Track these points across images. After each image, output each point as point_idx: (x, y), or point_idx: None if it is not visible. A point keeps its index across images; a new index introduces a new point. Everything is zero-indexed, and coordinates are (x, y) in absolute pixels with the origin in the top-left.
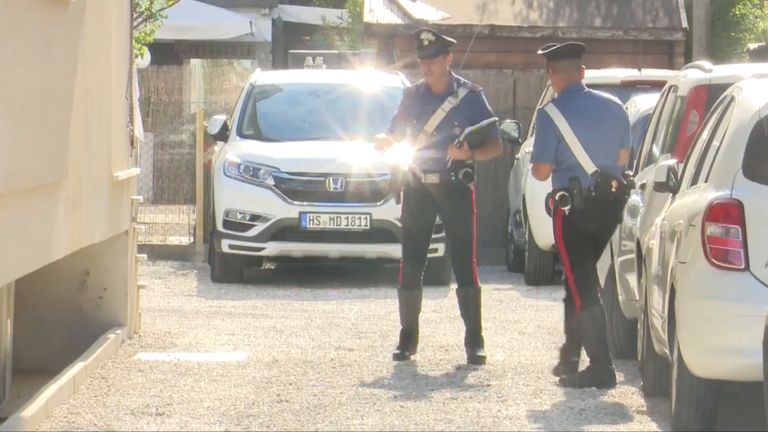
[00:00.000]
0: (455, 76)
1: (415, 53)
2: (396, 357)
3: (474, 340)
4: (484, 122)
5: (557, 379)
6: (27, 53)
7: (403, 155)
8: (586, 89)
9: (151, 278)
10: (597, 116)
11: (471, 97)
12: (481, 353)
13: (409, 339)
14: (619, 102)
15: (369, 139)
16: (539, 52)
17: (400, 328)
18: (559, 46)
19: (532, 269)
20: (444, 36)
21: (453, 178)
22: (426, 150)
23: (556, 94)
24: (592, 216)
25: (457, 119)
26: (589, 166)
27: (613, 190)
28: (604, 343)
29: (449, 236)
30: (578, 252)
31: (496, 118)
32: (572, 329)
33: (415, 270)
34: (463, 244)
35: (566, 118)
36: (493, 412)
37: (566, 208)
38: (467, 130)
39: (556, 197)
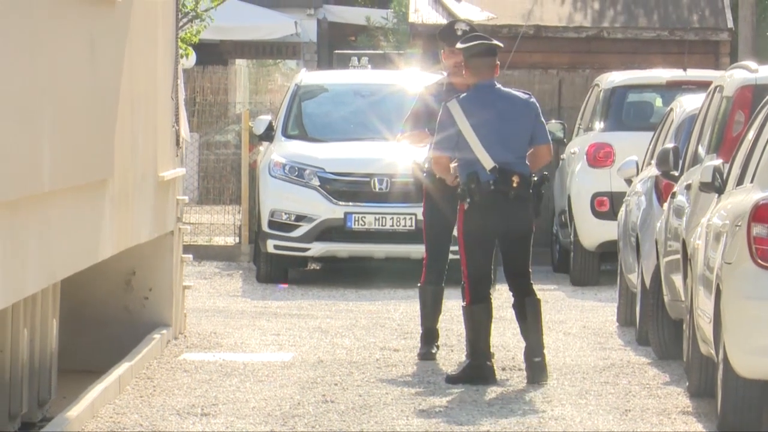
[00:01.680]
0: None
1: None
2: (424, 356)
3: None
4: None
5: (602, 379)
6: (74, 53)
7: (419, 155)
8: (497, 86)
9: (196, 278)
10: (500, 112)
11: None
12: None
13: (432, 337)
14: (530, 98)
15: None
16: (457, 45)
17: (421, 330)
18: (475, 43)
19: (578, 269)
20: (477, 32)
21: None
22: None
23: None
24: (493, 212)
25: None
26: (488, 162)
27: (515, 185)
28: (486, 340)
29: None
30: (474, 247)
31: None
32: (525, 331)
33: (439, 269)
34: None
35: (466, 114)
36: (539, 413)
37: (466, 202)
38: None
39: (458, 191)
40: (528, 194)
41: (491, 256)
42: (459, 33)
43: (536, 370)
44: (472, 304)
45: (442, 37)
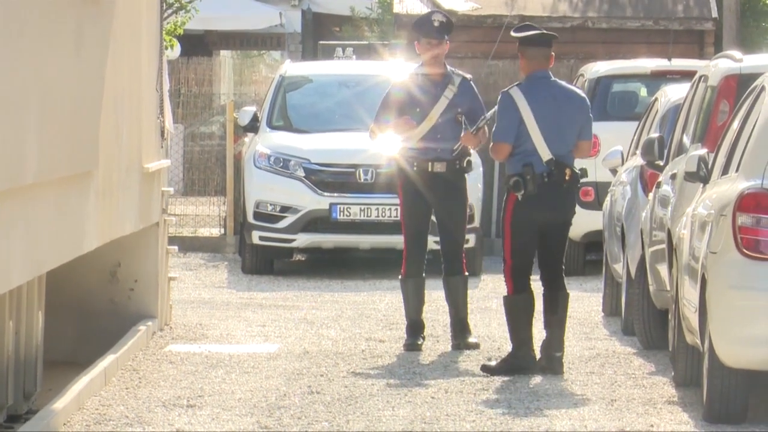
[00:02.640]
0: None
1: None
2: (410, 347)
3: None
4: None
5: (587, 369)
6: (59, 46)
7: (393, 146)
8: (552, 78)
9: (181, 270)
10: (559, 105)
11: (465, 83)
12: (472, 340)
13: (417, 329)
14: (583, 94)
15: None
16: (512, 33)
17: (406, 321)
18: (533, 33)
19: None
20: (452, 24)
21: (457, 167)
22: (431, 139)
23: (523, 77)
24: (543, 203)
25: (459, 106)
26: (545, 153)
27: (567, 178)
28: (529, 329)
29: (445, 224)
30: (522, 239)
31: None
32: (551, 324)
33: (419, 259)
34: (460, 233)
35: (529, 103)
36: (525, 403)
37: (519, 194)
38: (487, 116)
39: (510, 182)
40: (576, 188)
41: (535, 247)
42: (436, 24)
43: (556, 364)
44: (515, 293)
45: (418, 27)
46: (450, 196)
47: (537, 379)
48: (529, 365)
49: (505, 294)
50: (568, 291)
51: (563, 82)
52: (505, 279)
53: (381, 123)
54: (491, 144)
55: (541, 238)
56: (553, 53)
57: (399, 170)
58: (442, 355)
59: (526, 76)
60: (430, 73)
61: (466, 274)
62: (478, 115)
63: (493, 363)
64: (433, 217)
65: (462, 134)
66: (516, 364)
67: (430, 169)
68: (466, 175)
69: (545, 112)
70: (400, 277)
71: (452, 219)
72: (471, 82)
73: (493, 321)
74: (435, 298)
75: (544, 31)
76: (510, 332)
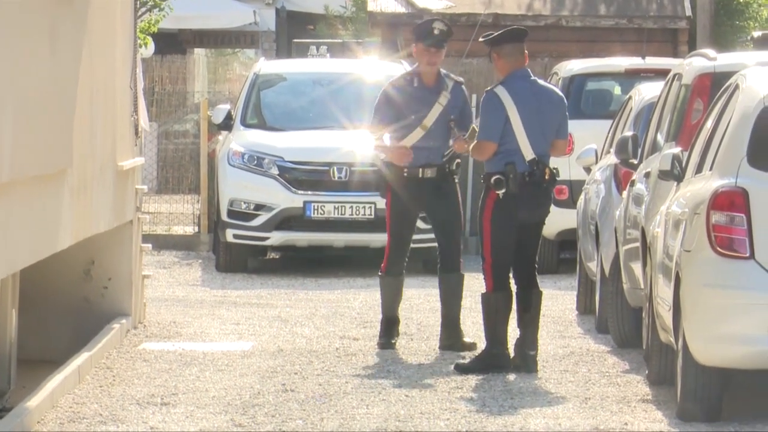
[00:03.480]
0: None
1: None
2: (384, 346)
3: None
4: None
5: (561, 367)
6: (33, 44)
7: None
8: (532, 76)
9: (155, 268)
10: (541, 104)
11: (457, 88)
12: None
13: (392, 326)
14: (561, 93)
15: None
16: (480, 39)
17: (381, 317)
18: (501, 32)
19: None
20: (452, 32)
21: (447, 170)
22: (422, 145)
23: (501, 77)
24: (524, 202)
25: (451, 112)
26: (528, 153)
27: (547, 177)
28: (505, 328)
29: (440, 226)
30: (501, 236)
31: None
32: (525, 322)
33: (401, 258)
34: (457, 232)
35: (515, 102)
36: (499, 402)
37: (500, 192)
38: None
39: (492, 180)
40: (552, 187)
41: (513, 245)
42: (436, 32)
43: (530, 362)
44: (494, 291)
45: (418, 34)
46: (442, 197)
47: (511, 378)
48: (503, 364)
49: (483, 291)
50: (541, 289)
51: (542, 81)
52: (484, 277)
53: (378, 125)
54: (474, 143)
55: (519, 235)
56: (526, 51)
57: (388, 174)
58: (417, 354)
59: (507, 75)
60: (425, 79)
61: (462, 273)
62: (468, 119)
63: (467, 361)
64: (420, 222)
65: (452, 140)
66: (490, 362)
67: (420, 176)
68: (456, 177)
69: (529, 111)
70: (380, 273)
71: (448, 218)
72: (462, 86)
73: (468, 319)
74: (409, 296)
75: (515, 27)
76: (485, 330)
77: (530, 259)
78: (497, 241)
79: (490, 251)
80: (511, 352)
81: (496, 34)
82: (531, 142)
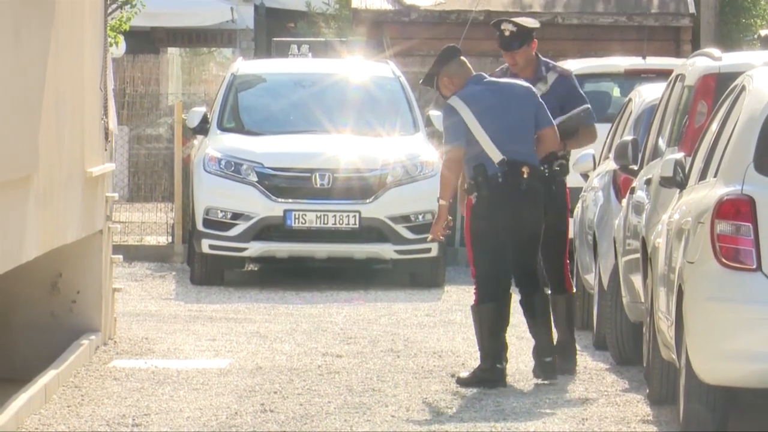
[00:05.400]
0: (543, 59)
1: (406, 41)
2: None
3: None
4: (575, 111)
5: (557, 386)
6: None
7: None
8: (487, 78)
9: (126, 281)
10: (503, 102)
11: (561, 81)
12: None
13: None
14: (526, 83)
15: (358, 132)
16: (420, 82)
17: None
18: (437, 57)
19: None
20: (524, 23)
21: (546, 171)
22: None
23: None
24: (502, 206)
25: (548, 106)
26: (496, 155)
27: (525, 176)
28: (495, 341)
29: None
30: (483, 244)
31: (588, 105)
32: (534, 329)
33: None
34: (559, 245)
35: (470, 107)
36: (491, 422)
37: (473, 196)
38: (558, 120)
39: (465, 186)
40: (540, 186)
41: (503, 253)
42: (507, 34)
43: (548, 369)
44: (480, 303)
45: (502, 45)
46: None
47: (504, 397)
48: (494, 378)
49: (472, 304)
50: (546, 293)
51: (504, 79)
52: (475, 287)
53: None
54: (444, 157)
55: (512, 242)
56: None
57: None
58: (403, 371)
59: (464, 85)
60: (518, 74)
61: (572, 292)
62: (579, 103)
63: (466, 374)
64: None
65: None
66: (481, 377)
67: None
68: (564, 179)
69: (487, 112)
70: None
71: (546, 231)
72: (571, 77)
73: (458, 335)
74: (396, 311)
75: (446, 47)
76: (477, 344)
77: (526, 264)
78: (479, 250)
79: (474, 261)
80: (506, 365)
81: (431, 66)
82: (496, 143)
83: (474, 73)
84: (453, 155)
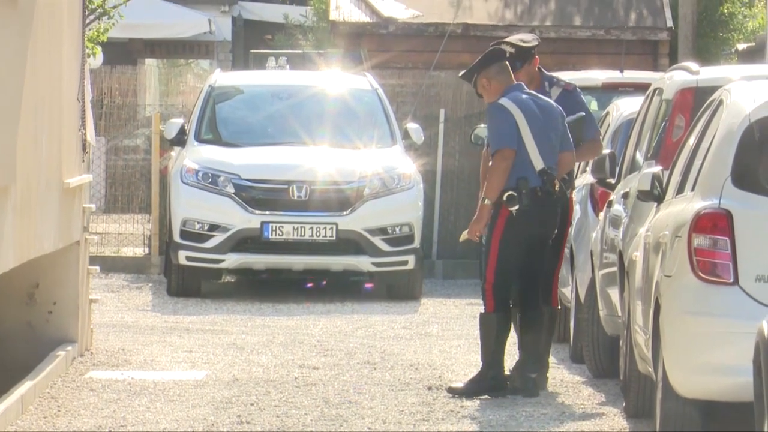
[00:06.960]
0: (548, 75)
1: (384, 53)
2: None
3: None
4: (569, 119)
5: (534, 399)
6: None
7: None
8: (526, 89)
9: (103, 292)
10: (545, 116)
11: (565, 95)
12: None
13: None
14: (558, 105)
15: (335, 144)
16: (460, 75)
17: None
18: (481, 56)
19: None
20: (522, 42)
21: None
22: None
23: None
24: (535, 217)
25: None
26: (538, 163)
27: (556, 188)
28: (503, 349)
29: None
30: (509, 256)
31: (584, 113)
32: (524, 344)
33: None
34: (556, 258)
35: (521, 110)
36: None
37: (514, 209)
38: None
39: (504, 197)
40: (563, 201)
41: (519, 263)
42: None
43: (530, 386)
44: (496, 311)
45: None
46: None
47: (481, 410)
48: (498, 387)
49: (482, 311)
50: (542, 309)
51: (539, 95)
52: (485, 297)
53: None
54: (492, 155)
55: (529, 251)
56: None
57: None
58: (380, 384)
59: (505, 88)
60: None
61: (558, 307)
62: (588, 121)
63: (461, 384)
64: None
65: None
66: (485, 385)
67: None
68: (568, 193)
69: (535, 120)
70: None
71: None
72: (575, 92)
73: (434, 347)
74: (373, 323)
75: (492, 48)
76: (482, 352)
77: (532, 278)
78: (504, 262)
79: (494, 271)
80: (512, 375)
81: (475, 62)
82: (540, 151)
83: (514, 81)
84: (507, 155)
